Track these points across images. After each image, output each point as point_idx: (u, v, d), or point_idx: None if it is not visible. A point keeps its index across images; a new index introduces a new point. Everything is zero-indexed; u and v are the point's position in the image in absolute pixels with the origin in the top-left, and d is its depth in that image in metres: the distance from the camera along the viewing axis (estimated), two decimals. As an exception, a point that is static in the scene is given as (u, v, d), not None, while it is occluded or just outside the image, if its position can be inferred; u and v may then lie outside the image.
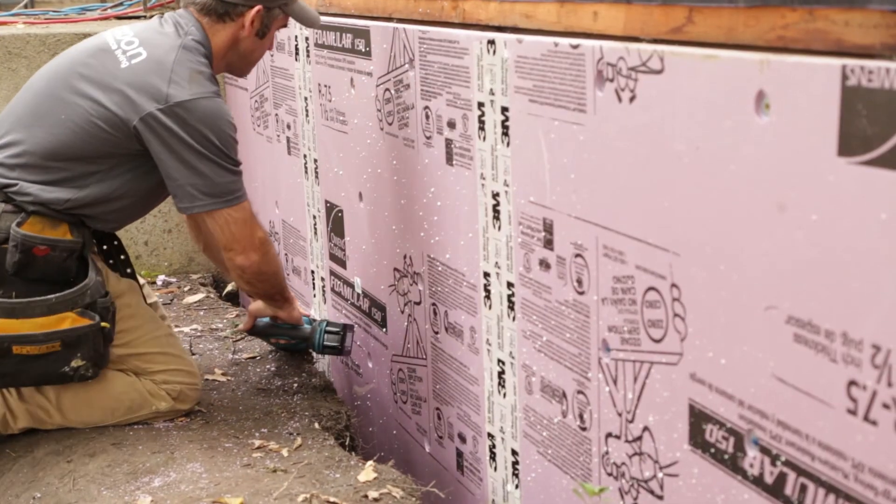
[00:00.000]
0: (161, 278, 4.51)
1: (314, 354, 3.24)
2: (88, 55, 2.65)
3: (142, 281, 3.00)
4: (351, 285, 3.24)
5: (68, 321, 2.53)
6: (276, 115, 3.75)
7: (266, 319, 3.04)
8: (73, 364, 2.56)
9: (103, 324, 2.57)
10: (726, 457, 1.62)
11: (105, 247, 2.80)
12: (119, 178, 2.63)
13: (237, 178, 2.63)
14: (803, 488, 1.46)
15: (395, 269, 2.85)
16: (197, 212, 2.63)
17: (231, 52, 2.72)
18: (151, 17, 5.02)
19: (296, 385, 3.06)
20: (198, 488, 2.34)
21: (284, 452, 2.56)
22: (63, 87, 2.61)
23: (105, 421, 2.71)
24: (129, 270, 2.83)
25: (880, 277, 1.28)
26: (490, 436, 2.43)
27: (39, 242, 2.51)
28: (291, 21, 2.83)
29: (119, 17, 4.96)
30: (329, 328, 3.00)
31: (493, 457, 2.43)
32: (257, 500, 2.19)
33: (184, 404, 2.78)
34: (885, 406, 1.30)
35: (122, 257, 2.83)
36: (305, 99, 3.38)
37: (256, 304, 3.00)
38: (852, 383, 1.35)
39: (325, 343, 3.00)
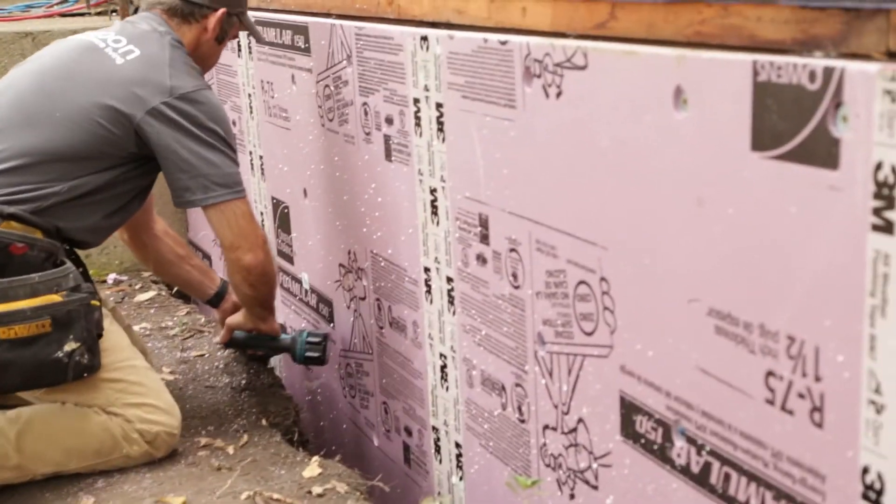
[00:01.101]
0: (112, 276, 4.48)
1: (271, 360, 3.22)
2: (77, 53, 2.58)
3: (111, 306, 2.88)
4: (299, 281, 3.24)
5: (56, 300, 2.36)
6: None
7: (244, 332, 2.92)
8: (67, 348, 2.36)
9: (93, 301, 2.42)
10: (655, 447, 1.64)
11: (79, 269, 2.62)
12: (104, 179, 2.52)
13: (239, 170, 2.58)
14: (727, 477, 1.49)
15: (341, 265, 2.86)
16: (212, 202, 2.51)
17: (194, 55, 2.68)
18: (96, 13, 5.00)
19: (244, 382, 3.05)
20: (141, 488, 2.33)
21: (230, 450, 2.56)
22: (53, 86, 2.53)
23: (68, 465, 2.46)
24: (97, 297, 2.61)
25: (793, 270, 1.31)
26: (434, 429, 2.44)
27: (17, 239, 2.39)
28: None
29: (63, 15, 4.91)
30: (310, 339, 2.90)
31: (437, 450, 2.45)
32: (200, 499, 2.19)
33: (159, 450, 2.50)
34: (801, 396, 1.33)
35: (88, 282, 2.62)
36: (249, 96, 3.37)
37: (235, 318, 2.88)
38: (770, 374, 1.37)
39: (306, 354, 2.90)
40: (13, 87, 2.59)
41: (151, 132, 2.47)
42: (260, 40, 2.88)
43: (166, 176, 2.53)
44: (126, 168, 2.55)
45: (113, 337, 2.56)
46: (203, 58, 2.71)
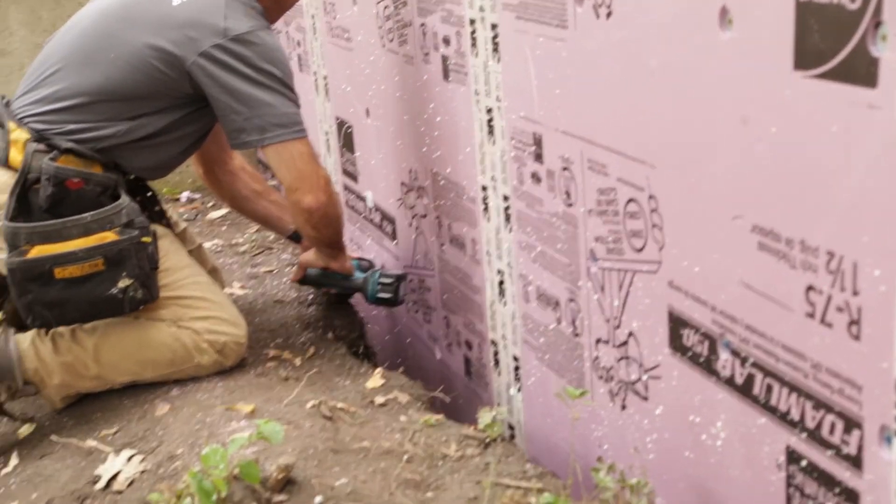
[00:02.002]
0: (185, 194, 4.61)
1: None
2: None
3: (182, 227, 2.95)
4: (363, 199, 3.31)
5: (108, 239, 2.44)
6: (287, 32, 3.79)
7: (317, 270, 2.91)
8: (121, 284, 2.44)
9: (144, 238, 2.48)
10: (702, 360, 1.69)
11: (139, 199, 2.70)
12: (164, 121, 2.56)
13: (299, 110, 2.56)
14: (769, 388, 1.54)
15: (402, 183, 2.92)
16: (268, 143, 2.49)
17: None
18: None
19: (311, 297, 3.16)
20: (213, 396, 2.46)
21: (297, 362, 2.67)
22: (113, 26, 2.54)
23: (144, 374, 2.58)
24: (164, 221, 2.77)
25: (833, 187, 1.33)
26: (493, 342, 2.52)
27: (73, 175, 2.45)
28: None
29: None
30: (382, 279, 2.86)
31: (496, 362, 2.52)
32: (268, 407, 2.30)
33: (228, 359, 2.61)
34: (839, 309, 1.36)
35: (157, 209, 2.77)
36: (312, 16, 3.42)
37: (307, 255, 2.89)
38: (810, 288, 1.41)
39: (378, 295, 2.87)
40: (77, 25, 2.63)
41: (204, 75, 2.47)
42: None
43: (220, 118, 2.53)
44: (186, 110, 2.57)
45: (173, 257, 2.65)
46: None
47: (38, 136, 2.49)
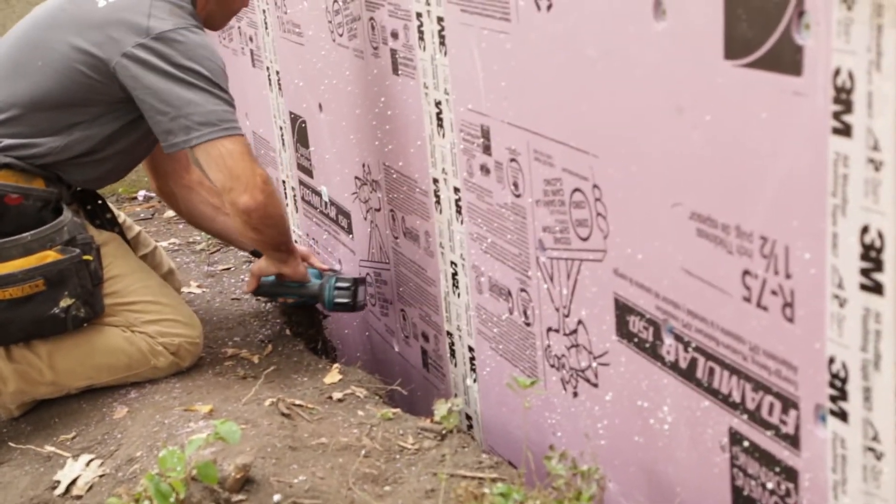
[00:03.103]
0: (142, 193, 4.59)
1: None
2: (66, 1, 2.53)
3: (136, 231, 2.92)
4: (318, 194, 3.32)
5: (48, 259, 2.40)
6: (239, 27, 3.78)
7: (271, 278, 2.82)
8: (63, 304, 2.42)
9: (85, 257, 2.44)
10: (647, 345, 1.72)
11: (89, 207, 2.69)
12: (103, 129, 2.51)
13: (231, 109, 2.47)
14: (711, 371, 1.57)
15: (356, 178, 2.93)
16: (195, 143, 2.40)
17: (212, 1, 2.65)
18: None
19: (269, 294, 3.16)
20: (171, 398, 2.46)
21: (255, 359, 2.68)
22: (41, 34, 2.50)
23: (100, 379, 2.57)
24: (116, 229, 2.73)
25: (764, 173, 1.36)
26: (449, 334, 2.54)
27: (11, 191, 2.40)
28: None
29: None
30: (339, 284, 2.78)
31: (452, 354, 2.54)
32: (226, 407, 2.31)
33: (184, 360, 2.61)
34: (774, 293, 1.39)
35: (108, 216, 2.72)
36: (264, 11, 3.41)
37: (259, 264, 2.80)
38: (746, 272, 1.44)
39: (335, 300, 2.78)
40: (10, 37, 2.59)
41: (127, 76, 2.41)
42: None
43: (149, 122, 2.46)
44: (124, 119, 2.51)
45: (121, 263, 2.62)
46: (225, 2, 2.67)
47: None
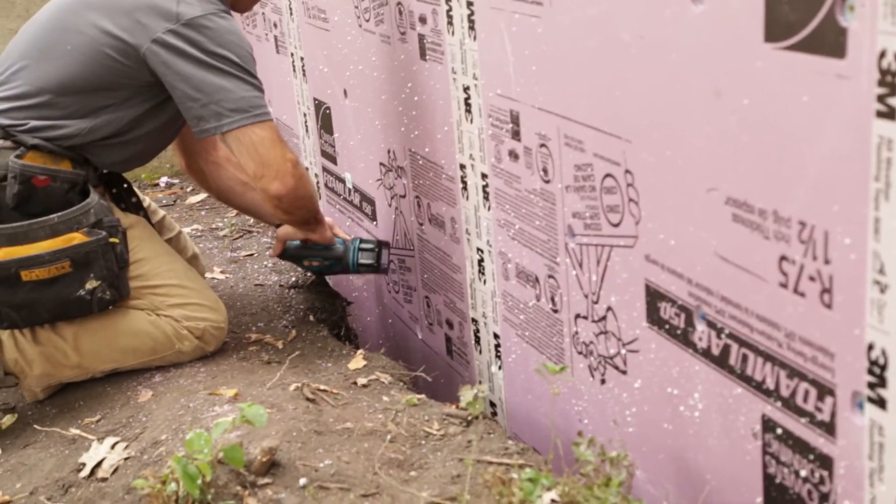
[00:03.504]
0: (164, 180, 4.60)
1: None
2: None
3: (161, 215, 2.92)
4: (342, 180, 3.31)
5: (75, 241, 2.41)
6: (263, 14, 3.78)
7: (296, 242, 2.83)
8: (88, 286, 2.43)
9: (112, 239, 2.45)
10: (678, 332, 1.71)
11: (115, 190, 2.69)
12: (131, 112, 2.51)
13: (261, 94, 2.47)
14: (745, 358, 1.55)
15: (381, 164, 2.92)
16: (226, 129, 2.41)
17: None
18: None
19: (292, 280, 3.16)
20: (195, 381, 2.46)
21: (279, 345, 2.68)
22: (69, 17, 2.49)
23: (125, 362, 2.57)
24: (141, 213, 2.73)
25: (804, 158, 1.35)
26: (474, 321, 2.53)
27: (39, 172, 2.41)
28: None
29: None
30: (363, 245, 2.82)
31: (477, 340, 2.54)
32: (251, 391, 2.31)
33: (209, 345, 2.61)
34: (811, 279, 1.38)
35: (134, 200, 2.72)
36: (288, -3, 3.41)
37: (285, 229, 2.80)
38: (783, 258, 1.42)
39: (360, 261, 2.81)
40: (38, 20, 2.59)
41: (158, 62, 2.41)
42: None
43: (180, 107, 2.46)
44: (151, 102, 2.51)
45: (147, 246, 2.62)
46: None
47: (4, 134, 2.45)
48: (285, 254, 2.85)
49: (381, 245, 2.83)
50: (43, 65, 2.48)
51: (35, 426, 2.47)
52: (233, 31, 2.46)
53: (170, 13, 2.41)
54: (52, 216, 2.40)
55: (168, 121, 2.59)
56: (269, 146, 2.43)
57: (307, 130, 3.55)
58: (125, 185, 2.73)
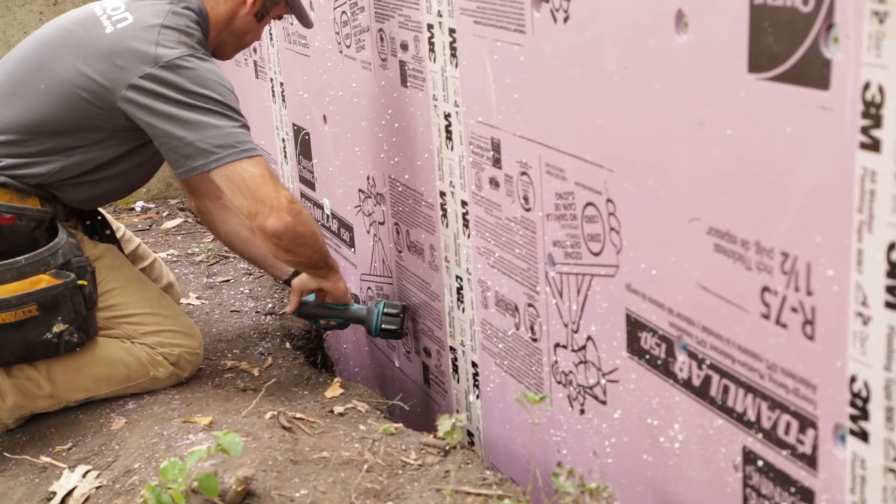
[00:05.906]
0: (139, 204, 4.56)
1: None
2: (73, 23, 2.48)
3: (136, 243, 2.87)
4: (321, 206, 3.30)
5: (42, 283, 2.35)
6: (243, 39, 3.77)
7: (312, 298, 2.72)
8: (55, 329, 2.38)
9: (80, 281, 2.40)
10: (659, 362, 1.70)
11: (88, 222, 2.64)
12: (104, 153, 2.45)
13: (247, 130, 2.39)
14: (726, 389, 1.55)
15: (360, 191, 2.91)
16: (214, 166, 2.32)
17: (226, 30, 2.60)
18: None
19: (269, 306, 3.13)
20: (170, 409, 2.43)
21: (255, 372, 2.65)
22: (45, 55, 2.44)
23: (99, 391, 2.53)
24: (116, 243, 2.67)
25: (787, 188, 1.34)
26: (452, 349, 2.51)
27: (4, 210, 2.35)
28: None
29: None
30: (388, 310, 2.68)
31: (455, 369, 2.52)
32: (226, 419, 2.28)
33: (184, 371, 2.58)
34: (794, 310, 1.37)
35: (108, 232, 2.68)
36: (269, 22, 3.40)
37: (300, 280, 2.69)
38: (765, 289, 1.42)
39: (383, 327, 2.68)
40: (14, 55, 2.54)
41: (136, 108, 2.35)
42: (307, 24, 2.70)
43: (162, 151, 2.40)
44: (128, 145, 2.46)
45: (118, 276, 2.58)
46: (238, 34, 2.62)
47: None
48: (301, 311, 2.73)
49: (405, 310, 2.71)
50: (14, 101, 2.43)
51: (5, 454, 2.43)
52: (213, 72, 2.40)
53: (147, 56, 2.35)
54: (19, 258, 2.35)
55: (140, 163, 2.54)
56: (259, 182, 2.34)
57: (286, 156, 3.54)
58: (99, 218, 2.68)
